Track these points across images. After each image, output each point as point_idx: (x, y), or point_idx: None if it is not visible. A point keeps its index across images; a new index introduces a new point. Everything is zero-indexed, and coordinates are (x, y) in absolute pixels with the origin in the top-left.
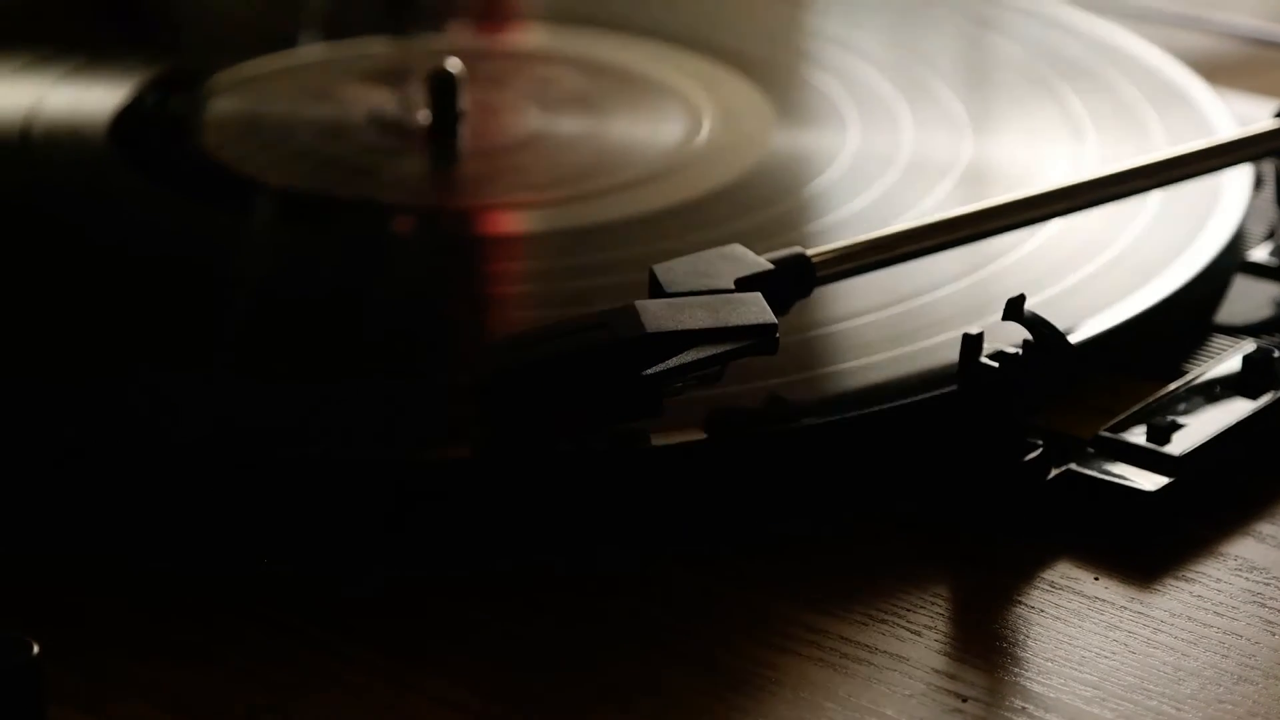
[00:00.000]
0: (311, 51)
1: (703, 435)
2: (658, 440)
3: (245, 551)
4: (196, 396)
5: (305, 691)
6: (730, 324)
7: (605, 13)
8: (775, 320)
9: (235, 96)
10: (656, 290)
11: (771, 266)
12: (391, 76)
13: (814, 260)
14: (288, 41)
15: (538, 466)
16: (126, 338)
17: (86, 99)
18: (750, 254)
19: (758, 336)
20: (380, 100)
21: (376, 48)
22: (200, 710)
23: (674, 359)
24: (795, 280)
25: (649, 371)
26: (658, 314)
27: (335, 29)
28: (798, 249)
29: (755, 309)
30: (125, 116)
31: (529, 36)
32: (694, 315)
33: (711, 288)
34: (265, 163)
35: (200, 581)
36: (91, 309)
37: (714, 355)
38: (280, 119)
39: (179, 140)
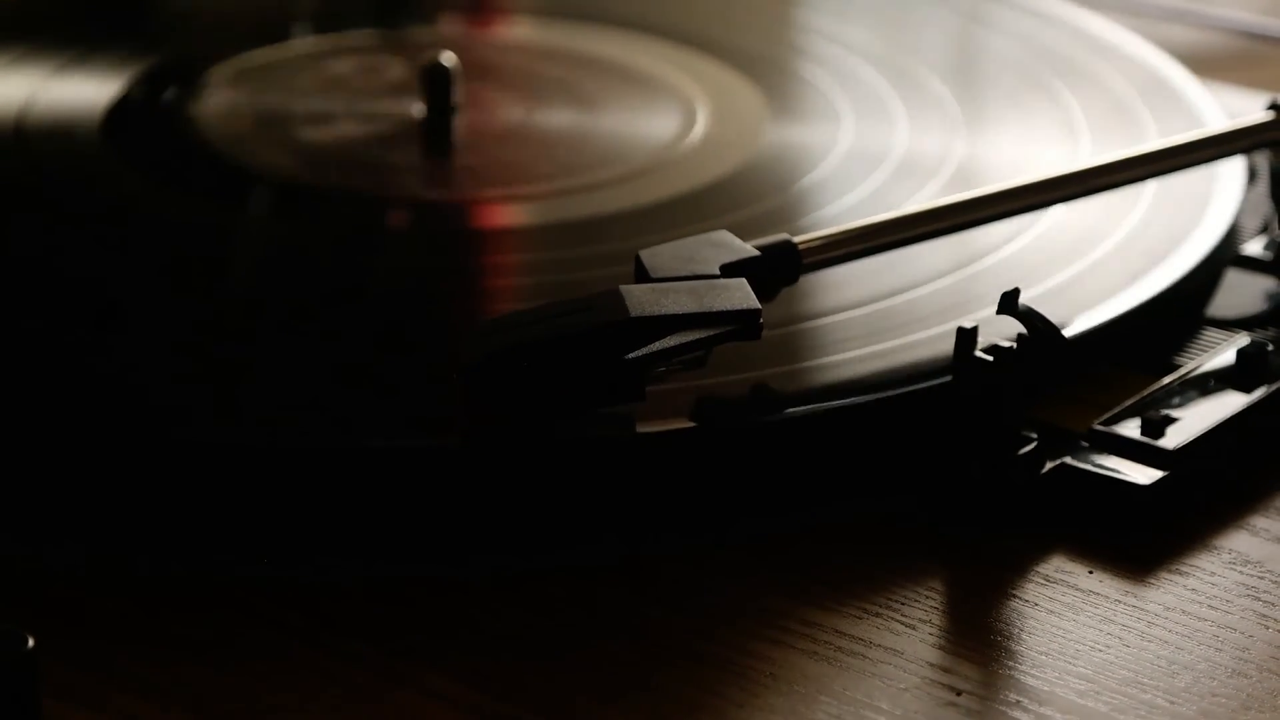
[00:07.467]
0: (305, 44)
1: (694, 425)
2: (647, 429)
3: (245, 549)
4: (191, 387)
5: (302, 687)
6: (714, 309)
7: (599, 7)
8: (759, 306)
9: (229, 89)
10: (642, 275)
11: (757, 253)
12: (385, 70)
13: (800, 247)
14: (281, 34)
15: (527, 458)
16: (120, 330)
17: (80, 92)
18: (736, 240)
19: (741, 322)
20: (374, 93)
21: (370, 41)
22: (198, 706)
23: (657, 343)
24: (782, 267)
25: (631, 355)
26: (642, 298)
27: (328, 22)
28: (784, 236)
29: (739, 294)
30: (119, 109)
31: (523, 30)
32: (678, 300)
33: (697, 273)
34: (258, 155)
35: (199, 578)
36: (85, 302)
37: (697, 340)
38: (273, 112)
39: (172, 133)
